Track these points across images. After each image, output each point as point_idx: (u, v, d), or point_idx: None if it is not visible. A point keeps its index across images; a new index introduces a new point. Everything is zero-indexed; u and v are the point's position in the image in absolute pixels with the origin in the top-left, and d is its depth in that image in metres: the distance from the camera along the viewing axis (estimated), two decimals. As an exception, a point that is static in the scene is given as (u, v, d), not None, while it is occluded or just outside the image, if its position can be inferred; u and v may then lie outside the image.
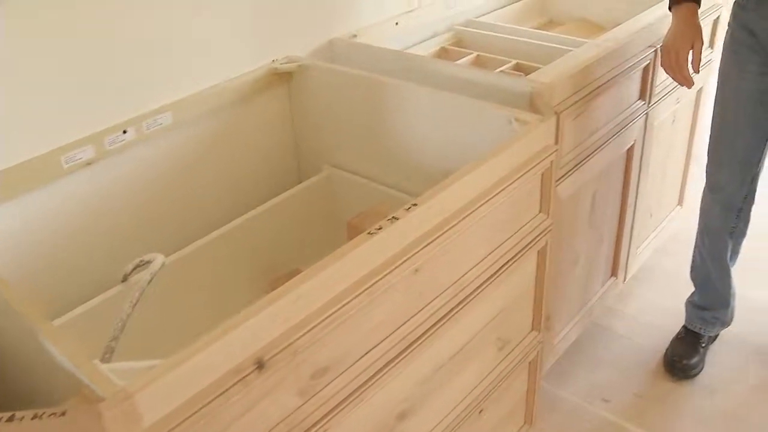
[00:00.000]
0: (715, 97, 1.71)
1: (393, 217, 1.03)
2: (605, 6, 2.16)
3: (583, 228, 1.70)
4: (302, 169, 1.75)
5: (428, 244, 1.07)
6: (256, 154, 1.65)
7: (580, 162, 1.57)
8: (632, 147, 1.80)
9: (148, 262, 1.20)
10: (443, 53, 1.89)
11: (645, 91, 1.77)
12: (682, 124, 2.08)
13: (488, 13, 2.10)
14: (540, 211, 1.35)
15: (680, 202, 2.29)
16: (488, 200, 1.17)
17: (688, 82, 1.55)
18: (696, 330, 1.96)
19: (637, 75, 1.72)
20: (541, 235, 1.36)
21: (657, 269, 2.31)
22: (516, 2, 2.21)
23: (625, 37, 1.64)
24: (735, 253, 1.89)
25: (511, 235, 1.29)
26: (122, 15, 1.30)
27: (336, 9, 1.71)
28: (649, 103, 1.81)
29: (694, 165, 2.27)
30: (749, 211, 1.79)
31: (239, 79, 1.54)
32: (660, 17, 1.76)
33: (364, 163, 1.61)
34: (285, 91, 1.66)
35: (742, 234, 1.84)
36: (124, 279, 1.29)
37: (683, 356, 1.92)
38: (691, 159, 2.22)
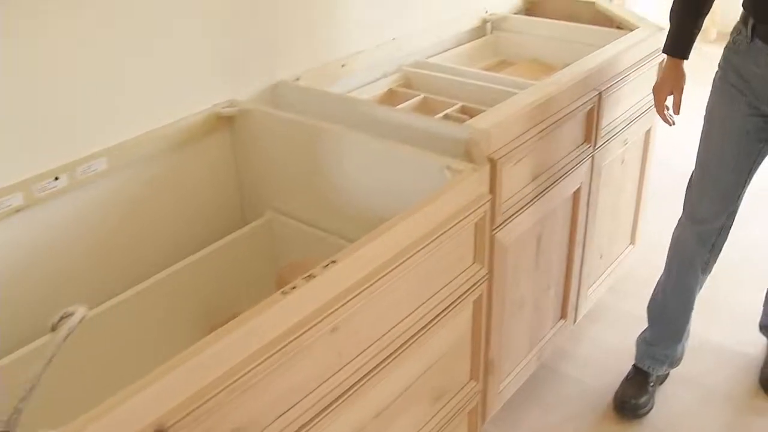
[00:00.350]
0: (702, 131, 1.74)
1: (309, 275, 1.01)
2: (557, 47, 2.17)
3: (528, 271, 1.69)
4: (246, 213, 1.73)
5: (347, 301, 1.06)
6: (199, 198, 1.63)
7: (523, 207, 1.56)
8: (579, 189, 1.80)
9: (72, 314, 1.17)
10: (391, 95, 1.89)
11: (590, 134, 1.77)
12: (631, 164, 2.09)
13: (441, 53, 2.11)
14: (474, 261, 1.33)
15: (632, 241, 2.28)
16: (415, 253, 1.16)
17: (666, 122, 1.79)
18: (645, 368, 1.96)
19: (581, 118, 1.72)
20: (476, 286, 1.35)
21: (610, 309, 2.30)
22: (469, 42, 2.21)
23: (568, 81, 1.64)
24: (703, 283, 1.89)
25: (443, 287, 1.27)
26: (54, 56, 1.27)
27: (281, 51, 1.70)
28: (595, 145, 1.81)
29: (646, 204, 2.27)
30: (720, 247, 1.80)
31: (179, 123, 1.52)
32: (607, 60, 1.77)
33: (305, 208, 1.59)
34: (228, 135, 1.64)
35: (710, 270, 1.85)
36: (53, 329, 1.25)
37: (632, 396, 1.92)
38: (642, 198, 2.22)
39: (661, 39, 1.96)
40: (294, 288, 0.99)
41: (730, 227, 1.79)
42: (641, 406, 1.92)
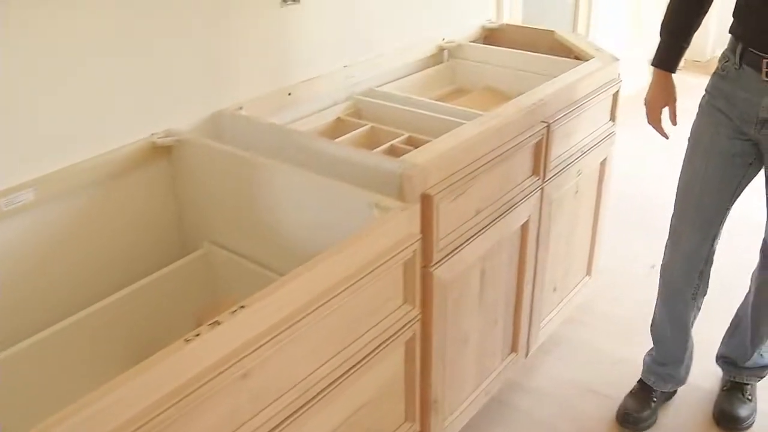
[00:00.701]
0: (686, 155, 1.75)
1: (215, 321, 0.97)
2: (512, 76, 2.15)
3: (472, 307, 1.66)
4: (187, 246, 1.69)
5: (259, 347, 1.02)
6: (135, 230, 1.59)
7: (465, 242, 1.53)
8: (527, 222, 1.77)
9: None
10: (338, 124, 1.86)
11: (539, 167, 1.75)
12: (586, 195, 2.07)
13: (395, 80, 2.08)
14: (404, 302, 1.30)
15: (589, 272, 2.26)
16: (336, 296, 1.12)
17: (663, 134, 1.83)
18: (649, 384, 1.98)
19: (529, 150, 1.70)
20: (407, 327, 1.31)
21: (566, 340, 2.27)
22: (424, 69, 2.19)
23: (513, 113, 1.62)
24: (698, 310, 1.90)
25: (369, 329, 1.23)
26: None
27: (224, 79, 1.67)
28: (544, 178, 1.78)
29: (603, 234, 2.25)
30: (709, 272, 1.82)
31: (113, 154, 1.48)
32: (557, 91, 1.75)
33: (243, 241, 1.55)
34: (165, 166, 1.60)
35: (703, 294, 1.86)
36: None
37: (635, 410, 1.95)
38: (599, 229, 2.19)
39: (616, 70, 1.96)
40: (198, 335, 0.95)
41: (714, 253, 1.79)
42: (643, 420, 1.94)
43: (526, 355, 2.00)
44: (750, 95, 1.57)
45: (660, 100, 1.77)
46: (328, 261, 1.10)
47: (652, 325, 1.99)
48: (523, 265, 1.82)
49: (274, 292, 1.03)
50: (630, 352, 2.19)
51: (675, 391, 2.05)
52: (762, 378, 2.02)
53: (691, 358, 1.97)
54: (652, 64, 1.76)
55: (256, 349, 1.01)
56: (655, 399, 1.98)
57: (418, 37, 2.16)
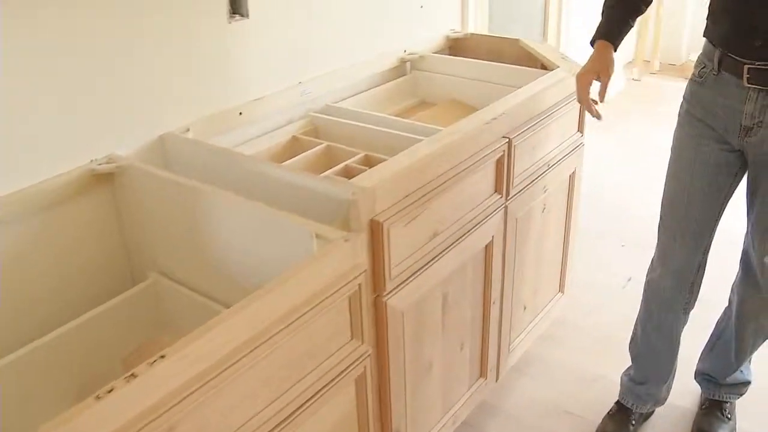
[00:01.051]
0: (669, 168, 1.68)
1: (131, 374, 0.89)
2: (477, 87, 2.08)
3: (434, 334, 1.58)
4: (135, 275, 1.60)
5: (184, 398, 0.94)
6: (78, 261, 1.50)
7: (421, 269, 1.46)
8: (491, 243, 1.69)
9: None
10: (294, 143, 1.78)
11: (501, 184, 1.67)
12: (555, 210, 2.00)
13: (354, 95, 2.01)
14: (352, 338, 1.22)
15: (561, 289, 2.18)
16: (272, 337, 1.04)
17: (591, 112, 1.66)
18: (627, 405, 1.91)
19: (489, 168, 1.63)
20: (356, 363, 1.23)
21: (539, 359, 2.20)
22: (385, 83, 2.12)
23: (472, 129, 1.55)
24: (685, 323, 1.83)
25: (313, 369, 1.15)
26: None
27: (170, 100, 1.59)
28: (507, 195, 1.71)
29: (575, 249, 2.18)
30: (700, 285, 1.74)
31: (49, 183, 1.40)
32: (519, 104, 1.68)
33: (189, 271, 1.47)
34: (108, 193, 1.52)
35: (692, 306, 1.78)
36: None
37: None
38: (570, 244, 2.12)
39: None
40: (111, 390, 0.87)
41: (706, 263, 1.72)
42: None
43: (497, 378, 1.93)
44: (731, 102, 1.50)
45: (592, 72, 1.62)
46: (261, 300, 1.02)
47: (631, 342, 1.91)
48: (488, 287, 1.74)
49: (200, 338, 0.95)
50: (607, 370, 2.12)
51: (653, 411, 1.99)
52: (741, 395, 1.95)
53: (673, 377, 1.91)
54: (591, 41, 1.65)
55: (181, 401, 0.93)
56: (633, 421, 1.91)
57: (378, 49, 2.09)
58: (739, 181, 1.63)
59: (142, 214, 1.50)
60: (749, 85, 1.45)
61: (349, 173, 1.57)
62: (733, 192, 1.64)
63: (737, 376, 1.91)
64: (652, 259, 1.78)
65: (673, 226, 1.68)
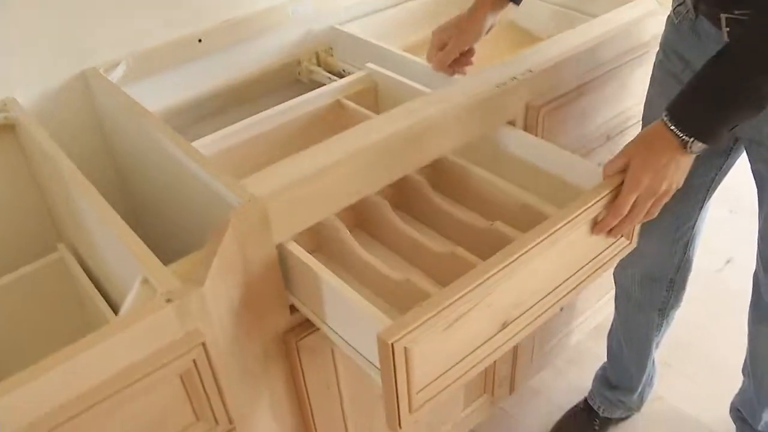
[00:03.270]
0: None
1: None
2: (548, 11, 1.55)
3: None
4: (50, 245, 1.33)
5: None
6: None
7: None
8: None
9: None
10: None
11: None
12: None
13: (365, 16, 1.55)
14: (199, 420, 0.88)
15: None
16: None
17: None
18: (594, 407, 1.64)
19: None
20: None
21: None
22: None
23: (476, 93, 1.08)
24: (666, 325, 1.50)
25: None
26: None
27: (98, 22, 1.24)
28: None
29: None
30: (684, 280, 1.41)
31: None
32: (581, 47, 1.18)
33: (85, 249, 1.18)
34: (14, 144, 1.23)
35: (674, 306, 1.46)
36: None
37: None
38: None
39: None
40: None
41: (692, 259, 1.38)
42: None
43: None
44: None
45: (447, 31, 1.18)
46: (44, 377, 0.70)
47: (609, 333, 1.59)
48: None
49: None
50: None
51: (628, 416, 1.67)
52: None
53: (650, 384, 1.62)
54: None
55: None
56: (596, 426, 1.62)
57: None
58: (732, 163, 1.22)
59: (41, 177, 1.21)
60: None
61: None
62: (724, 174, 1.24)
63: None
64: None
65: None
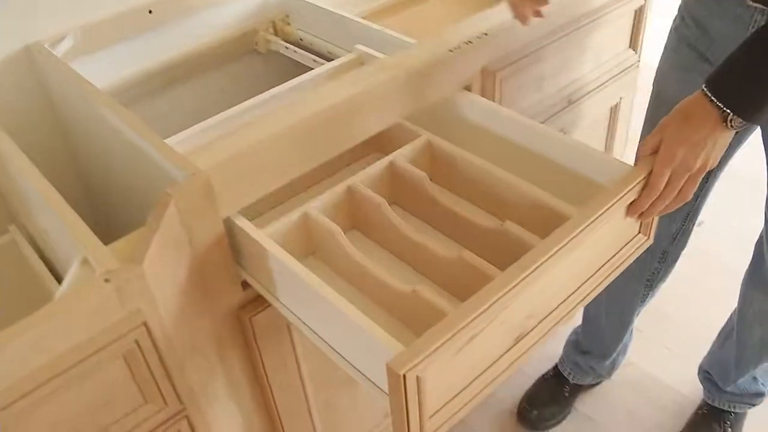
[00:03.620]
0: (649, 106, 1.21)
1: None
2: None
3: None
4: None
5: None
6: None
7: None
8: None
9: None
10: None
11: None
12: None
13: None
14: (146, 402, 0.86)
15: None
16: None
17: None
18: (564, 374, 1.62)
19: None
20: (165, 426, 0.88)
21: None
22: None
23: (427, 57, 1.06)
24: (651, 296, 1.46)
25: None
26: None
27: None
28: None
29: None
30: (678, 254, 1.37)
31: None
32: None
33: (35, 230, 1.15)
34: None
35: (662, 279, 1.42)
36: None
37: (540, 404, 1.60)
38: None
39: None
40: None
41: (690, 232, 1.33)
42: (546, 419, 1.59)
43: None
44: (729, 26, 1.00)
45: None
46: None
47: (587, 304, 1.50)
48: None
49: None
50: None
51: (599, 383, 1.67)
52: (753, 406, 1.51)
53: (623, 353, 1.61)
54: None
55: None
56: (566, 393, 1.61)
57: None
58: (746, 136, 1.15)
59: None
60: (754, 4, 0.97)
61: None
62: (734, 151, 1.16)
63: (747, 384, 1.47)
64: None
65: None
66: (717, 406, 1.52)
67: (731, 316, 1.47)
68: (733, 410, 1.51)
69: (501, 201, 1.00)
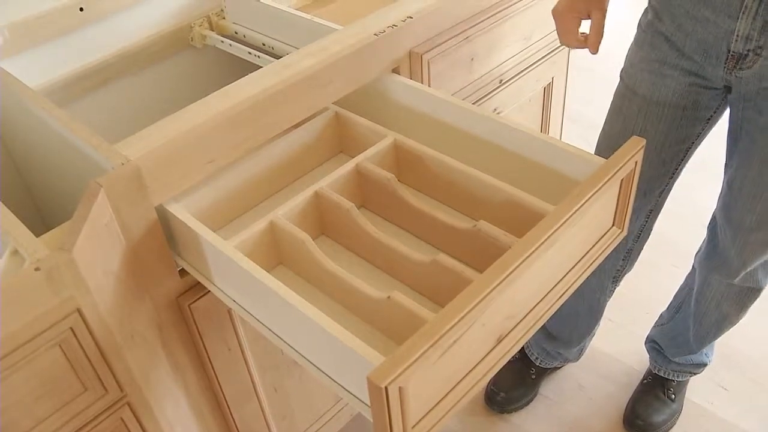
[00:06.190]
0: (614, 102, 1.20)
1: None
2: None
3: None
4: None
5: None
6: None
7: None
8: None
9: None
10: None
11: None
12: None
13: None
14: (86, 390, 0.87)
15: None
16: None
17: (584, 46, 1.13)
18: (531, 358, 1.64)
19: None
20: (101, 419, 0.89)
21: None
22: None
23: (354, 42, 1.08)
24: (617, 286, 1.48)
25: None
26: None
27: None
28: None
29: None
30: (640, 250, 1.39)
31: None
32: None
33: None
34: None
35: (627, 271, 1.44)
36: None
37: (508, 387, 1.62)
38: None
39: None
40: None
41: (652, 227, 1.34)
42: (514, 401, 1.62)
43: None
44: (716, 15, 0.98)
45: (576, 7, 1.10)
46: None
47: None
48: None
49: None
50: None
51: (563, 366, 1.71)
52: (695, 375, 1.58)
53: (590, 339, 1.62)
54: None
55: None
56: (533, 375, 1.63)
57: None
58: (711, 128, 1.17)
59: None
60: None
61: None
62: (700, 142, 1.19)
63: (693, 355, 1.52)
64: None
65: None
66: (662, 375, 1.57)
67: (680, 290, 1.51)
68: (676, 378, 1.56)
69: (473, 199, 0.99)
